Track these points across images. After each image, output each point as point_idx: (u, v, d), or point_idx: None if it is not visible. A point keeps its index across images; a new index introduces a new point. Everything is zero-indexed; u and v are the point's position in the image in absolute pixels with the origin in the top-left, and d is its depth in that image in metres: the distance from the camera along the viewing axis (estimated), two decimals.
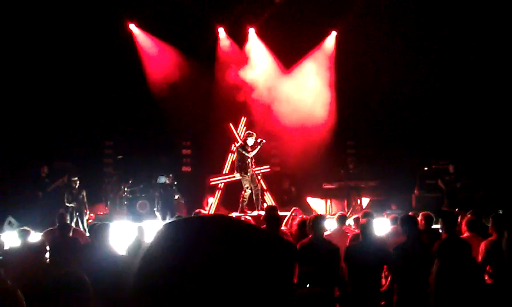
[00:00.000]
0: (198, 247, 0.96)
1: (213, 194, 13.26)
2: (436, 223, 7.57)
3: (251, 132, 11.29)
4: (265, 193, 12.65)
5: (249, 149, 10.98)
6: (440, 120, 13.31)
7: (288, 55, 13.68)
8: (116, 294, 3.69)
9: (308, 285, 4.85)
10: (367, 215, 7.08)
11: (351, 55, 13.28)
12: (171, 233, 1.00)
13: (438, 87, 13.15)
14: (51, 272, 5.56)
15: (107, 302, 3.78)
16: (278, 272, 1.01)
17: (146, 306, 0.95)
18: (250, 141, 11.08)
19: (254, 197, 11.18)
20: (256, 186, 11.29)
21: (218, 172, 13.43)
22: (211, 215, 4.69)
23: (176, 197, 12.59)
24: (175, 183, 12.70)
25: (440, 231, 6.93)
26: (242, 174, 11.11)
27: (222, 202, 13.19)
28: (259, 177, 12.47)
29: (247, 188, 11.17)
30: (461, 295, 3.19)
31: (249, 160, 11.06)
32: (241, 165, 11.10)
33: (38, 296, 2.37)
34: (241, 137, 13.40)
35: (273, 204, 11.59)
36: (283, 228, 7.20)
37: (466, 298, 3.17)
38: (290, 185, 13.98)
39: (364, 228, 5.67)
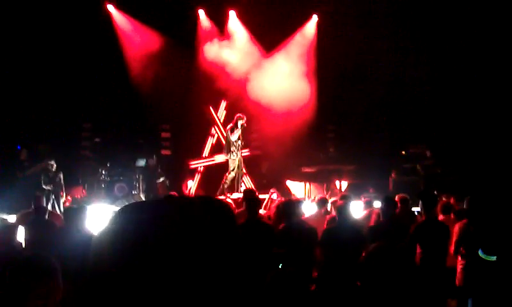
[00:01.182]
0: (145, 230, 1.00)
1: (192, 178, 13.23)
2: (414, 206, 7.69)
3: (241, 115, 11.23)
4: (244, 176, 12.65)
5: (232, 133, 11.02)
6: (417, 104, 13.43)
7: (269, 39, 13.59)
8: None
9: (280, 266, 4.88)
10: (345, 198, 7.12)
11: (332, 39, 13.27)
12: (121, 218, 1.02)
13: (418, 71, 13.25)
14: (23, 254, 5.50)
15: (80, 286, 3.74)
16: (220, 236, 1.03)
17: (99, 289, 0.97)
18: (240, 124, 11.09)
19: (235, 181, 11.23)
20: (242, 169, 11.36)
21: (198, 155, 13.39)
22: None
23: (161, 179, 12.53)
24: (160, 166, 12.66)
25: (417, 213, 7.05)
26: (231, 156, 11.14)
27: (201, 185, 13.18)
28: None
29: (232, 170, 11.20)
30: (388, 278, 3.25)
31: (239, 142, 11.12)
32: (229, 148, 11.13)
33: (5, 276, 2.32)
34: (221, 120, 13.37)
35: (252, 187, 11.65)
36: (262, 211, 7.23)
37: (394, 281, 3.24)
38: (269, 168, 14.00)
39: (340, 210, 5.71)
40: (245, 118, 11.19)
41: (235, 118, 11.22)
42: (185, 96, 13.18)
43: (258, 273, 4.84)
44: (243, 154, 12.36)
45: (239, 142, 11.21)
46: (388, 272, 3.19)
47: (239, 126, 11.08)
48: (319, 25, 14.16)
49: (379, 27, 12.87)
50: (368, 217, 6.91)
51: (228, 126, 11.39)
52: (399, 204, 6.72)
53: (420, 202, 5.86)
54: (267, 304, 2.35)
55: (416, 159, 12.56)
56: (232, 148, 11.16)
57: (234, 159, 11.22)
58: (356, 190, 11.03)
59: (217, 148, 13.31)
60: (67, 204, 10.68)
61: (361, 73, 13.39)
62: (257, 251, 5.30)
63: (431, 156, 12.32)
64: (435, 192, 7.89)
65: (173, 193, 7.98)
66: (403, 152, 13.18)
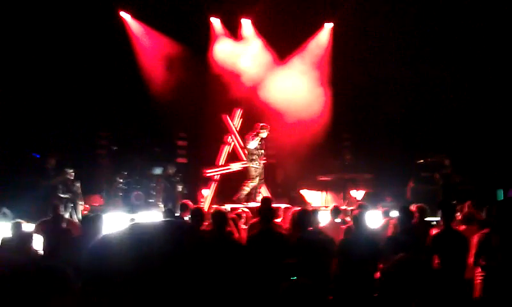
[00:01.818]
0: (148, 247, 1.03)
1: (208, 186, 13.25)
2: (432, 215, 7.58)
3: (265, 125, 11.16)
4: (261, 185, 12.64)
5: (259, 142, 11.01)
6: (436, 113, 13.28)
7: (284, 47, 13.59)
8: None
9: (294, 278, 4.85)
10: (362, 207, 7.07)
11: (347, 47, 13.22)
12: (131, 233, 1.05)
13: (437, 78, 13.12)
14: (41, 263, 5.56)
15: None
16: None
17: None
18: (263, 134, 11.07)
19: (254, 189, 11.21)
20: (261, 179, 11.34)
21: (213, 164, 13.42)
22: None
23: (180, 188, 12.59)
24: (179, 174, 12.74)
25: (433, 223, 6.95)
26: (253, 164, 11.14)
27: (217, 194, 13.18)
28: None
29: (253, 178, 11.18)
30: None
31: (261, 151, 11.12)
32: (251, 156, 11.14)
33: (21, 285, 2.35)
34: (237, 129, 13.39)
35: (269, 196, 11.61)
36: (277, 220, 7.20)
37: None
38: (284, 177, 13.96)
39: (356, 219, 5.66)
40: (268, 128, 11.14)
41: (259, 126, 11.16)
42: (200, 105, 13.24)
43: (270, 283, 4.82)
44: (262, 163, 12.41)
45: (261, 151, 11.20)
46: (410, 284, 3.15)
47: (260, 135, 11.04)
48: (335, 32, 14.12)
49: (396, 33, 12.78)
50: (385, 226, 6.84)
51: (250, 135, 11.30)
52: (416, 214, 6.64)
53: (440, 211, 5.78)
54: None
55: (434, 168, 12.40)
56: (254, 156, 11.14)
57: (257, 168, 11.20)
58: (373, 199, 10.94)
59: (233, 156, 13.33)
60: (85, 212, 10.77)
61: (378, 81, 13.29)
62: (269, 261, 5.27)
63: (449, 164, 12.15)
64: (454, 202, 7.77)
65: (185, 201, 8.00)
66: (421, 161, 13.01)
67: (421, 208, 6.83)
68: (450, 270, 5.33)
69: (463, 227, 6.25)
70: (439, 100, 13.10)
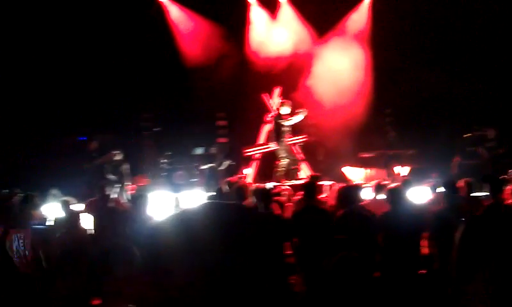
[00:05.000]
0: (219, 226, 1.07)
1: (249, 165, 13.33)
2: (478, 190, 7.36)
3: (285, 101, 11.26)
4: (301, 163, 12.60)
5: (284, 118, 10.98)
6: (483, 84, 12.79)
7: (322, 24, 13.38)
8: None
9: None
10: (407, 183, 6.98)
11: (388, 21, 12.87)
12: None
13: (480, 50, 12.62)
14: (97, 242, 5.81)
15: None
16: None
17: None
18: (285, 110, 11.06)
19: (289, 167, 11.19)
20: (293, 156, 11.30)
21: (253, 143, 13.48)
22: (231, 204, 4.97)
23: (225, 165, 12.67)
24: (221, 154, 12.89)
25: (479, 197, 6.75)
26: (278, 144, 11.13)
27: (258, 172, 13.26)
28: (296, 147, 12.48)
29: (282, 158, 11.18)
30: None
31: (284, 129, 11.06)
32: (276, 135, 11.13)
33: (86, 263, 2.51)
34: (275, 108, 13.37)
35: (316, 173, 11.54)
36: (322, 196, 7.19)
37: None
38: (325, 154, 13.86)
39: (392, 196, 5.58)
40: (290, 103, 11.16)
41: (279, 104, 11.12)
42: (239, 84, 13.27)
43: (316, 259, 4.83)
44: (300, 140, 12.37)
45: (284, 129, 11.14)
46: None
47: (283, 112, 11.01)
48: (373, 6, 13.75)
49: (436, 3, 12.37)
50: (434, 201, 6.74)
51: (272, 114, 11.32)
52: (463, 189, 6.50)
53: (488, 185, 5.62)
54: (331, 290, 2.34)
55: (478, 141, 12.01)
56: (283, 135, 11.13)
57: (280, 146, 11.19)
58: (418, 175, 10.72)
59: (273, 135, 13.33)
60: (131, 192, 11.06)
61: (421, 52, 12.90)
62: (313, 237, 5.30)
63: (494, 137, 11.73)
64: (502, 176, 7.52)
65: (231, 179, 8.09)
66: (468, 134, 12.60)
67: (469, 182, 6.67)
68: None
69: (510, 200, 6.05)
70: (488, 71, 12.60)
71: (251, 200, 6.71)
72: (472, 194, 6.76)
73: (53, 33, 12.33)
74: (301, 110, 11.16)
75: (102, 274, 2.51)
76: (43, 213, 7.00)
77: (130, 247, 2.63)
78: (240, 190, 6.39)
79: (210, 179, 12.45)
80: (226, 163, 12.76)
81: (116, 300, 2.47)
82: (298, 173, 11.47)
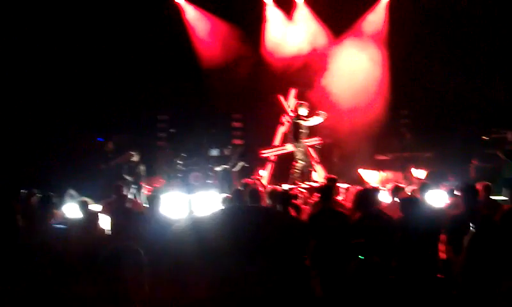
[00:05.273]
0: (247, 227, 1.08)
1: (264, 167, 13.33)
2: (496, 194, 7.27)
3: (302, 102, 11.24)
4: (315, 165, 12.56)
5: (302, 119, 10.96)
6: (501, 86, 12.62)
7: (339, 24, 13.31)
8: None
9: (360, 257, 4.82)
10: (425, 186, 6.92)
11: (405, 22, 12.75)
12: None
13: (499, 52, 12.44)
14: (111, 242, 5.85)
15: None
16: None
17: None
18: (303, 111, 11.05)
19: (305, 169, 11.17)
20: (308, 158, 11.28)
21: (269, 144, 13.47)
22: (256, 206, 4.97)
23: (239, 166, 12.72)
24: (236, 155, 12.92)
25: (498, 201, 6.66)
26: (295, 145, 11.12)
27: (274, 174, 13.24)
28: (312, 149, 12.45)
29: (299, 160, 11.15)
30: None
31: (302, 130, 11.05)
32: (294, 137, 11.11)
33: (95, 265, 2.51)
34: (291, 109, 13.35)
35: (332, 175, 11.51)
36: (339, 198, 7.16)
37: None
38: (341, 156, 13.80)
39: (404, 207, 5.52)
40: (307, 104, 11.15)
41: (296, 106, 11.17)
42: (255, 85, 13.27)
43: (333, 262, 4.80)
44: (314, 142, 12.30)
45: (302, 131, 11.12)
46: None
47: (314, 119, 11.01)
48: (390, 7, 13.64)
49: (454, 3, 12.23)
50: (452, 206, 6.66)
51: (292, 115, 11.31)
52: (482, 193, 6.41)
53: (507, 190, 5.55)
54: (352, 293, 2.33)
55: (497, 144, 11.84)
56: (300, 137, 11.12)
57: (302, 149, 11.17)
58: (435, 178, 10.60)
59: (289, 137, 13.31)
60: (147, 193, 11.13)
61: (438, 53, 12.77)
62: (330, 240, 5.27)
63: None
64: None
65: (247, 180, 8.09)
66: (485, 137, 12.42)
67: (487, 186, 6.58)
68: None
69: None
70: (503, 71, 12.43)
71: (265, 202, 6.71)
72: (490, 198, 6.68)
73: (71, 35, 12.46)
74: (320, 111, 11.14)
75: (110, 276, 2.51)
76: (64, 213, 7.09)
77: (139, 250, 2.63)
78: (255, 192, 6.38)
79: (224, 180, 12.47)
80: (240, 164, 12.77)
81: (124, 303, 2.47)
82: (312, 175, 11.42)
